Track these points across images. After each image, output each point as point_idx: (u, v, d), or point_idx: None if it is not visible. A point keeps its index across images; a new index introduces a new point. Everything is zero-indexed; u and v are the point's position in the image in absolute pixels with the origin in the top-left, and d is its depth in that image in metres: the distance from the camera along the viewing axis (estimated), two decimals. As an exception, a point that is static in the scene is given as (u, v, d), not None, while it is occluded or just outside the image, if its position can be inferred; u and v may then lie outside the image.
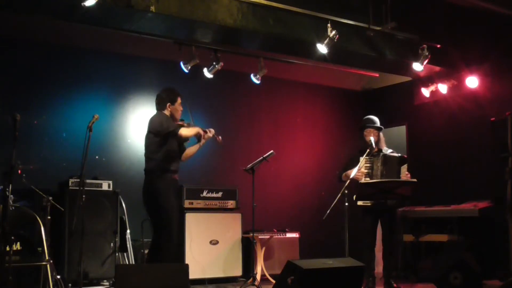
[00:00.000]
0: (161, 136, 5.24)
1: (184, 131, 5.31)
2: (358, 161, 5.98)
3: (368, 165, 6.00)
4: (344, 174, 6.14)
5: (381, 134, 6.29)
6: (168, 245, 5.17)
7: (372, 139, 6.11)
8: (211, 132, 5.47)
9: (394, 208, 6.18)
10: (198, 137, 5.40)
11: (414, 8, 7.05)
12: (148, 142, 5.34)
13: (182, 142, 5.42)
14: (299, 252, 7.76)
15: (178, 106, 5.48)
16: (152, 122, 5.37)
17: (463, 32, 7.31)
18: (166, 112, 5.43)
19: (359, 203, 5.99)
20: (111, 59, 7.55)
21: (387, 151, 6.23)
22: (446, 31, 7.27)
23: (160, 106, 5.47)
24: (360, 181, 5.84)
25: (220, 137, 5.56)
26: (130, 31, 6.38)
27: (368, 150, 5.99)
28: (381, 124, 6.32)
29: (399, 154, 6.15)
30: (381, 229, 6.14)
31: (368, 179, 5.91)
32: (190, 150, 5.58)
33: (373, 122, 6.27)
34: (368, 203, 6.02)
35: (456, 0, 6.93)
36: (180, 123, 5.49)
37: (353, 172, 5.88)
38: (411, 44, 6.99)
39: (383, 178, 5.85)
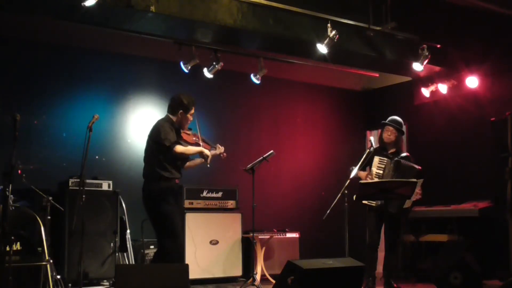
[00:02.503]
0: (162, 148, 5.16)
1: (180, 149, 5.13)
2: (371, 159, 5.94)
3: (380, 166, 5.96)
4: (358, 172, 5.97)
5: (402, 137, 6.20)
6: (173, 247, 5.11)
7: (371, 138, 6.09)
8: (219, 149, 5.43)
9: (397, 214, 6.07)
10: (201, 156, 5.31)
11: (414, 8, 7.05)
12: (147, 147, 5.29)
13: (181, 158, 5.27)
14: (299, 252, 7.76)
15: (190, 116, 5.33)
16: (153, 129, 5.27)
17: (463, 32, 7.31)
18: (175, 117, 5.31)
19: (364, 201, 5.95)
20: (111, 59, 7.56)
21: (402, 153, 6.13)
22: (446, 31, 7.26)
23: (172, 109, 5.34)
24: (360, 181, 5.81)
25: (225, 153, 5.50)
26: (130, 31, 6.38)
27: (368, 151, 5.97)
28: (381, 124, 6.28)
29: (417, 167, 5.91)
30: (384, 228, 6.10)
31: (376, 179, 5.87)
32: (192, 162, 5.49)
33: (394, 121, 6.12)
34: (372, 203, 5.98)
35: (456, 0, 6.93)
36: (187, 132, 5.43)
37: (352, 172, 5.83)
38: (411, 44, 6.99)
39: None
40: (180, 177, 5.34)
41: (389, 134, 6.10)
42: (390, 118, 6.21)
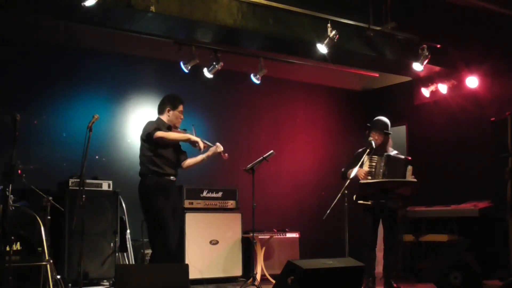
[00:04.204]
0: (146, 140, 5.22)
1: (160, 133, 5.16)
2: (361, 159, 5.97)
3: (372, 164, 6.00)
4: (348, 172, 6.10)
5: (390, 136, 6.25)
6: (163, 250, 5.11)
7: (372, 138, 6.10)
8: (218, 148, 5.40)
9: (395, 210, 6.13)
10: (190, 143, 5.32)
11: (414, 8, 7.06)
12: (140, 147, 5.36)
13: (165, 144, 5.26)
14: (299, 252, 7.76)
15: (179, 113, 5.38)
16: (143, 127, 5.36)
17: (463, 32, 7.31)
18: (164, 116, 5.38)
19: (360, 201, 5.98)
20: (111, 59, 7.56)
21: (392, 152, 6.20)
22: (446, 31, 7.27)
23: (160, 109, 5.44)
24: (360, 181, 5.83)
25: (226, 154, 5.45)
26: (130, 31, 6.38)
27: (368, 150, 6.00)
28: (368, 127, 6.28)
29: (404, 156, 6.12)
30: (383, 228, 6.13)
31: (370, 178, 5.91)
32: (192, 160, 5.51)
33: (379, 126, 6.16)
34: (368, 202, 6.01)
35: (456, 0, 6.93)
36: (179, 131, 5.44)
37: (353, 172, 5.87)
38: (411, 44, 6.99)
39: (384, 178, 5.84)
40: (175, 173, 5.35)
41: (376, 138, 6.14)
42: (375, 119, 6.24)
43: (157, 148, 5.21)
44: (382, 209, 5.89)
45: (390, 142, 6.27)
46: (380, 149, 6.14)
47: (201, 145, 5.26)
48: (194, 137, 5.28)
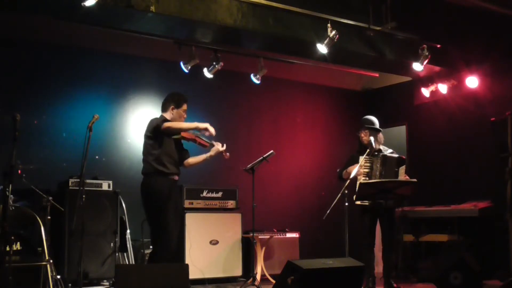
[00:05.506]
0: (152, 136, 5.21)
1: (167, 124, 5.16)
2: (358, 161, 5.98)
3: (367, 164, 6.01)
4: (345, 171, 6.13)
5: (380, 134, 6.27)
6: (163, 249, 5.10)
7: (372, 139, 6.10)
8: (221, 146, 5.40)
9: (392, 208, 6.17)
10: (198, 129, 5.32)
11: (414, 8, 7.06)
12: (144, 145, 5.35)
13: (173, 135, 5.26)
14: (299, 252, 7.77)
15: (182, 112, 5.38)
16: (147, 125, 5.35)
17: (463, 32, 7.31)
18: (168, 114, 5.37)
19: (357, 202, 5.99)
20: (111, 59, 7.56)
21: (387, 151, 6.22)
22: (446, 31, 7.27)
23: (163, 107, 5.43)
24: (359, 181, 5.83)
25: (228, 153, 5.47)
26: (130, 31, 6.39)
27: (368, 150, 6.00)
28: (381, 124, 6.29)
29: (398, 155, 6.14)
30: (380, 228, 6.14)
31: (367, 179, 5.91)
32: (195, 159, 5.51)
33: (370, 123, 6.22)
34: (366, 202, 6.01)
35: (456, 0, 6.93)
36: None
37: (353, 172, 5.88)
38: (411, 44, 6.99)
39: (381, 178, 5.85)
40: (178, 173, 5.35)
41: (363, 136, 6.17)
42: (362, 118, 6.29)
43: (163, 145, 5.20)
44: (380, 209, 5.91)
45: (381, 139, 6.25)
46: (372, 148, 6.15)
47: (211, 130, 5.23)
48: (202, 124, 5.24)
